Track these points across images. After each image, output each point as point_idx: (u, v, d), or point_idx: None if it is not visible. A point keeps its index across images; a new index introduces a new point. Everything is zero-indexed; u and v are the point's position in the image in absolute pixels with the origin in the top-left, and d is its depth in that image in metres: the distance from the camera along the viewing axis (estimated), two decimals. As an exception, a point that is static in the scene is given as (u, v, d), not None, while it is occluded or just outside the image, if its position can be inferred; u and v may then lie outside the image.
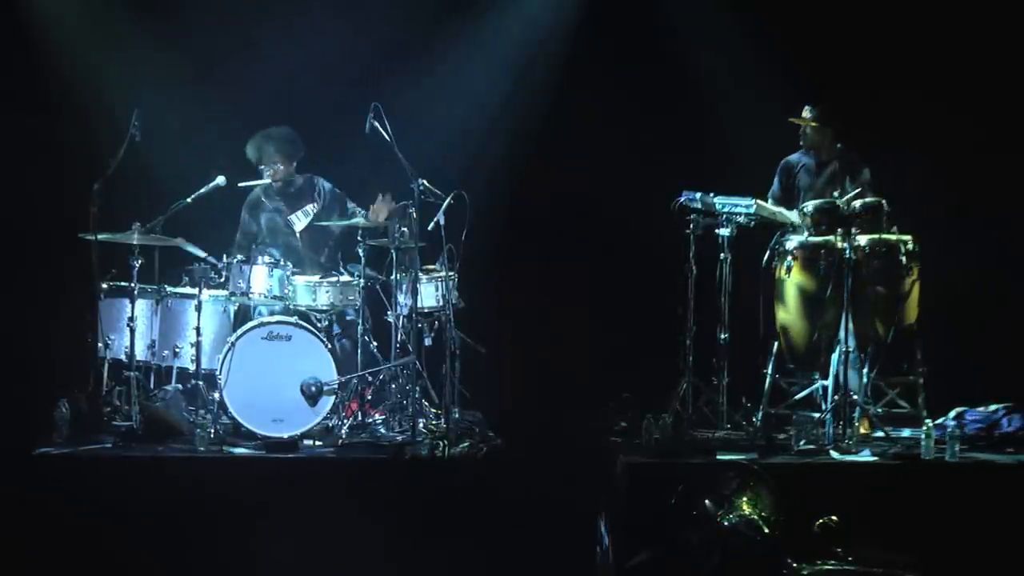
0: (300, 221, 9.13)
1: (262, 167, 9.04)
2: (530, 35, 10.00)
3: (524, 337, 9.63)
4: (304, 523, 7.47)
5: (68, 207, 8.29)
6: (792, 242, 8.59)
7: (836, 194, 8.58)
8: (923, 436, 7.96)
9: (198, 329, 8.32)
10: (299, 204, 9.15)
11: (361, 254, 8.63)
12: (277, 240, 9.06)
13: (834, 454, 7.98)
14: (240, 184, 8.98)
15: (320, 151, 9.25)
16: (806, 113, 8.91)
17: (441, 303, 8.60)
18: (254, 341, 8.24)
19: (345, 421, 8.34)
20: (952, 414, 8.59)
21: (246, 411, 8.12)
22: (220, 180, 8.71)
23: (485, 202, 8.88)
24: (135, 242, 8.24)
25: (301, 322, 8.45)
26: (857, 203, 8.46)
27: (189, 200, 8.60)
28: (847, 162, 8.88)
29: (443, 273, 8.61)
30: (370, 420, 8.47)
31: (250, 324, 8.39)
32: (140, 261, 8.24)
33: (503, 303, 9.63)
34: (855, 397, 8.33)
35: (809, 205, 8.60)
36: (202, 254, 8.54)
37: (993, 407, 8.60)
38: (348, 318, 8.88)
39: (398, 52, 9.78)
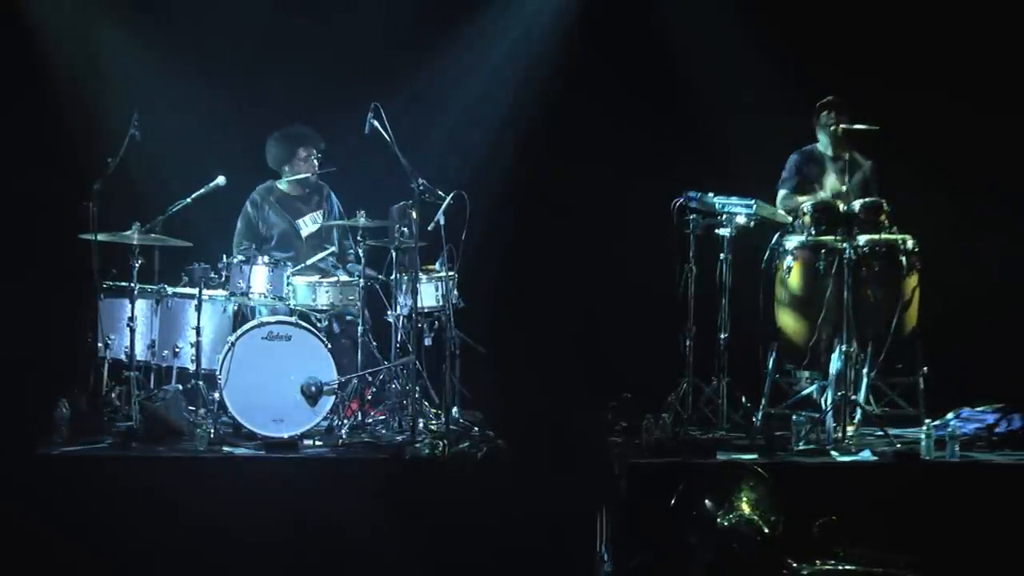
0: (307, 227, 9.14)
1: (288, 166, 9.05)
2: (530, 35, 10.00)
3: (524, 337, 9.63)
4: (304, 523, 7.47)
5: (68, 207, 8.28)
6: (792, 242, 8.59)
7: (844, 188, 8.57)
8: (923, 436, 7.96)
9: (198, 329, 8.32)
10: (308, 208, 9.16)
11: (361, 254, 8.63)
12: (282, 243, 9.05)
13: (834, 454, 7.98)
14: (288, 179, 9.00)
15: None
16: (834, 113, 8.89)
17: (441, 303, 8.60)
18: (254, 341, 8.23)
19: (345, 421, 8.34)
20: (952, 414, 8.59)
21: (246, 411, 8.11)
22: (220, 180, 8.71)
23: (485, 202, 8.88)
24: (135, 242, 8.24)
25: (301, 322, 8.45)
26: (857, 204, 8.47)
27: (189, 200, 8.61)
28: (853, 157, 8.90)
29: (443, 273, 8.60)
30: (370, 420, 8.47)
31: (250, 324, 8.39)
32: (140, 261, 8.24)
33: (503, 303, 9.63)
34: (855, 397, 8.35)
35: (808, 205, 8.61)
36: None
37: (993, 407, 8.60)
38: (348, 318, 8.89)
39: (398, 52, 9.77)
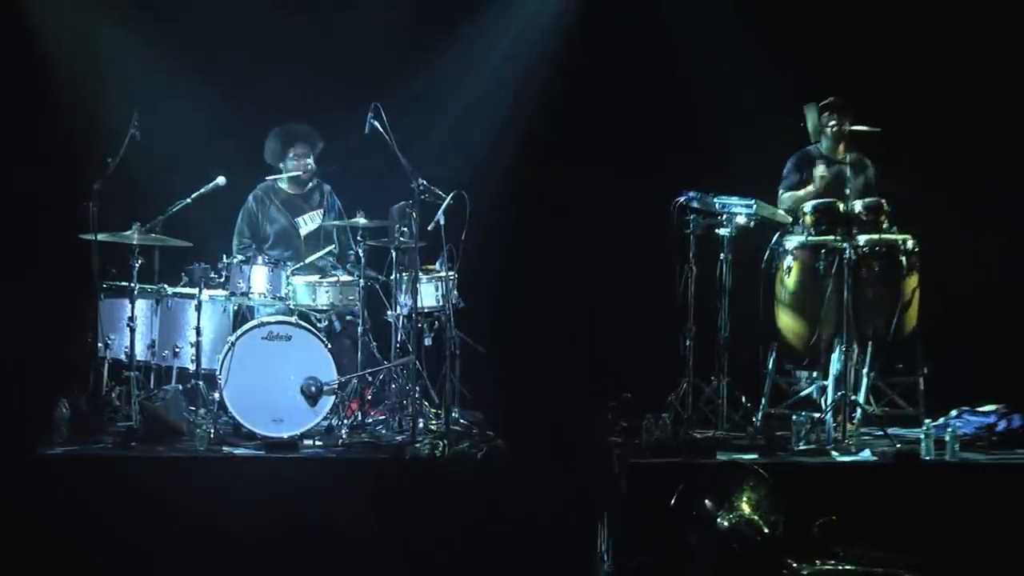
0: (307, 225, 9.13)
1: (283, 163, 9.06)
2: (530, 35, 10.00)
3: (524, 337, 9.63)
4: (303, 523, 7.47)
5: (68, 207, 8.28)
6: (792, 242, 8.59)
7: (848, 191, 8.59)
8: (923, 436, 7.96)
9: (198, 329, 8.32)
10: (307, 207, 9.15)
11: (361, 254, 8.63)
12: (281, 241, 9.05)
13: (834, 454, 7.98)
14: (268, 178, 9.02)
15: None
16: (835, 115, 8.88)
17: (441, 303, 8.59)
18: (254, 341, 8.23)
19: (345, 421, 8.34)
20: (952, 414, 8.59)
21: (246, 411, 8.11)
22: (220, 180, 8.71)
23: (485, 202, 8.87)
24: (135, 242, 8.23)
25: (301, 322, 8.44)
26: (857, 204, 8.47)
27: (189, 200, 8.61)
28: (856, 159, 8.90)
29: (443, 273, 8.60)
30: (370, 420, 8.47)
31: (250, 324, 8.39)
32: (140, 261, 8.24)
33: (503, 303, 9.62)
34: (855, 397, 8.35)
35: (809, 205, 8.61)
36: None
37: (993, 407, 8.60)
38: (348, 318, 8.89)
39: (398, 52, 9.77)
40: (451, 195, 8.47)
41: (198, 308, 8.33)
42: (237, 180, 8.88)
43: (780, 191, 9.03)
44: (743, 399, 8.63)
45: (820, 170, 8.84)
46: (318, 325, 8.66)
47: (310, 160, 9.07)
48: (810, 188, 8.85)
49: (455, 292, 8.66)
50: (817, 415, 8.30)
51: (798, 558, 7.17)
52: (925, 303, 8.58)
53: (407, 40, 9.81)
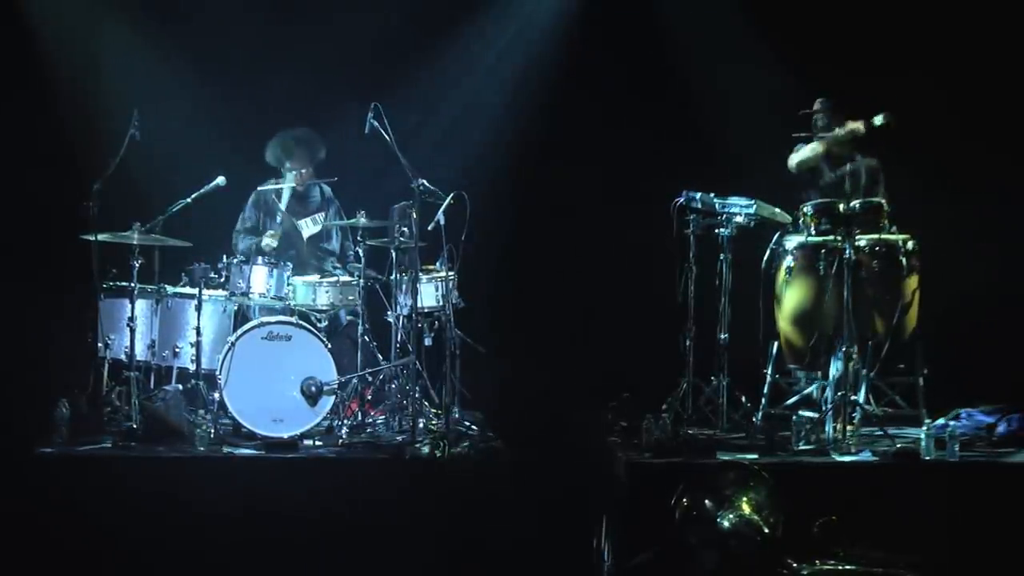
0: (309, 228, 9.14)
1: (284, 168, 9.05)
2: (530, 35, 10.01)
3: (524, 337, 9.63)
4: (304, 523, 7.47)
5: (68, 207, 8.28)
6: (792, 242, 8.59)
7: (848, 190, 8.59)
8: (923, 436, 7.96)
9: (198, 329, 8.32)
10: (309, 210, 9.16)
11: (361, 254, 8.63)
12: (283, 242, 9.05)
13: (834, 454, 7.98)
14: (260, 188, 9.03)
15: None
16: (826, 116, 8.88)
17: (441, 303, 8.60)
18: (254, 341, 8.23)
19: (345, 421, 8.34)
20: (952, 414, 8.59)
21: (246, 411, 8.11)
22: (220, 180, 8.70)
23: (485, 202, 8.87)
24: (135, 242, 8.23)
25: (301, 322, 8.45)
26: (856, 203, 8.48)
27: (189, 200, 8.60)
28: (874, 165, 8.91)
29: (443, 273, 8.61)
30: (370, 420, 8.47)
31: (250, 324, 8.39)
32: (140, 261, 8.23)
33: (503, 303, 9.62)
34: (855, 397, 8.35)
35: (809, 205, 8.62)
36: None
37: (993, 407, 8.60)
38: (348, 318, 8.90)
39: (398, 52, 9.78)
40: (451, 195, 8.47)
41: (198, 308, 8.33)
42: (237, 180, 8.88)
43: (790, 159, 8.98)
44: (743, 399, 8.62)
45: (808, 207, 8.82)
46: (318, 325, 8.66)
47: (308, 170, 9.08)
48: (816, 146, 8.79)
49: (455, 292, 8.66)
50: (817, 415, 8.31)
51: (798, 558, 7.17)
52: (925, 303, 8.58)
53: (407, 40, 9.82)
